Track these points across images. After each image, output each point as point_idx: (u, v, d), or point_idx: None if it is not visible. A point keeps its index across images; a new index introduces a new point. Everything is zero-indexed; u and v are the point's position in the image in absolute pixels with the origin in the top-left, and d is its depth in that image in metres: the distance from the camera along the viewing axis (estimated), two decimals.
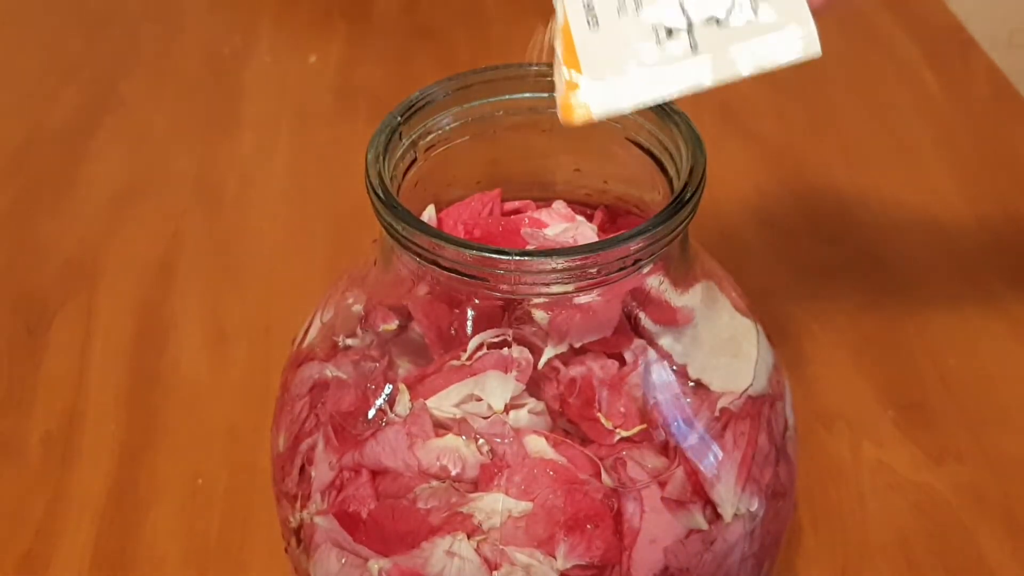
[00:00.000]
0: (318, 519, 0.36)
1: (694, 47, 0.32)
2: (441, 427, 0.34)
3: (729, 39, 0.32)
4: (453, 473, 0.34)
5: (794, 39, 0.32)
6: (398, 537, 0.34)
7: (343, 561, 0.36)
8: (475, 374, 0.34)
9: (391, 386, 0.35)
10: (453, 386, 0.34)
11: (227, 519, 0.50)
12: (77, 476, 0.52)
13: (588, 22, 0.33)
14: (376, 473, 0.35)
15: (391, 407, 0.35)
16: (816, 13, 0.32)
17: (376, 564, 0.35)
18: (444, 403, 0.34)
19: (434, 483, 0.34)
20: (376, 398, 0.35)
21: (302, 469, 0.37)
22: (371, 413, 0.35)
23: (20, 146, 0.75)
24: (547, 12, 0.34)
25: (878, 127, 0.74)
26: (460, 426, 0.34)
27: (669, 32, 0.32)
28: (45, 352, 0.59)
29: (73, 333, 0.60)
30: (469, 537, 0.33)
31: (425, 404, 0.35)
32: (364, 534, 0.35)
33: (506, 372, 0.34)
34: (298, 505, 0.37)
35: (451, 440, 0.34)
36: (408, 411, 0.35)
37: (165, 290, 0.62)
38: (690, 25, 0.32)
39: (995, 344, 0.58)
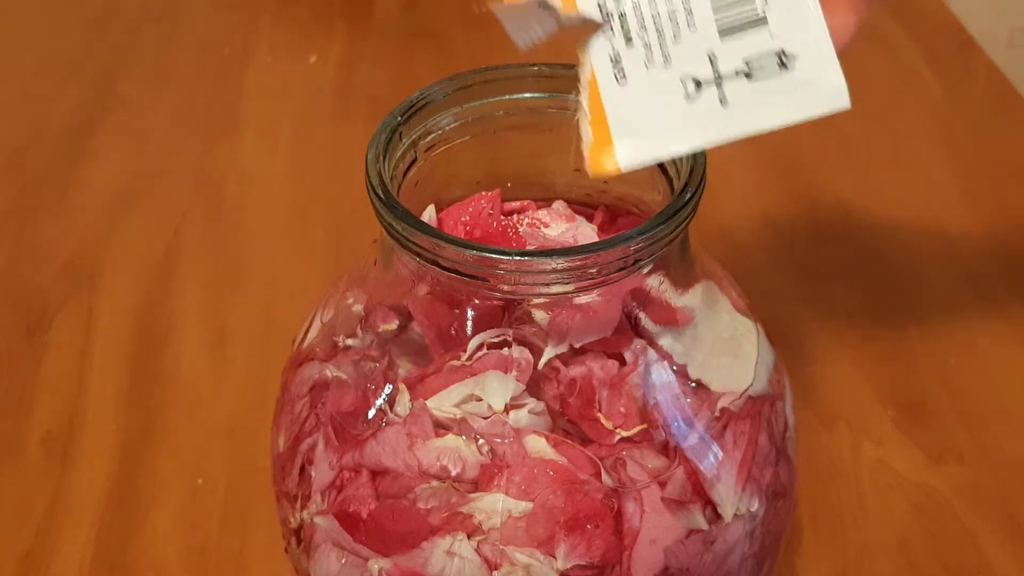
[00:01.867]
0: (318, 519, 0.36)
1: (723, 100, 0.31)
2: (441, 427, 0.34)
3: (758, 93, 0.31)
4: (453, 473, 0.34)
5: (824, 93, 0.32)
6: (398, 537, 0.34)
7: (343, 561, 0.36)
8: (475, 374, 0.34)
9: (391, 386, 0.35)
10: (453, 386, 0.34)
11: (227, 519, 0.50)
12: (77, 476, 0.52)
13: (616, 76, 0.32)
14: (376, 473, 0.35)
15: (391, 407, 0.35)
16: (842, 51, 0.31)
17: (376, 564, 0.35)
18: (444, 403, 0.34)
19: (434, 483, 0.34)
20: (376, 398, 0.35)
21: (302, 469, 0.37)
22: (371, 413, 0.35)
23: (20, 146, 0.74)
24: None
25: (878, 127, 0.74)
26: (460, 426, 0.34)
27: (698, 85, 0.31)
28: (45, 352, 0.59)
29: (73, 333, 0.60)
30: (469, 537, 0.33)
31: (425, 404, 0.35)
32: (364, 534, 0.35)
33: (506, 372, 0.34)
34: (298, 505, 0.37)
35: (451, 440, 0.34)
36: (408, 411, 0.35)
37: (165, 290, 0.62)
38: (719, 78, 0.31)
39: (995, 344, 0.58)
